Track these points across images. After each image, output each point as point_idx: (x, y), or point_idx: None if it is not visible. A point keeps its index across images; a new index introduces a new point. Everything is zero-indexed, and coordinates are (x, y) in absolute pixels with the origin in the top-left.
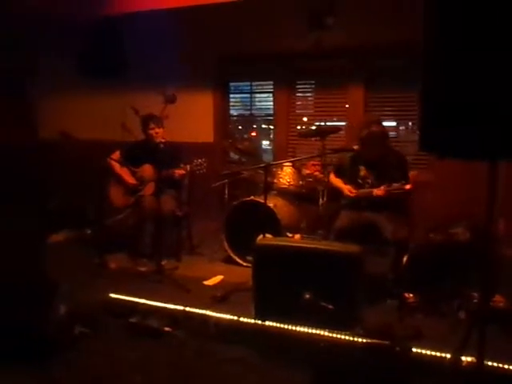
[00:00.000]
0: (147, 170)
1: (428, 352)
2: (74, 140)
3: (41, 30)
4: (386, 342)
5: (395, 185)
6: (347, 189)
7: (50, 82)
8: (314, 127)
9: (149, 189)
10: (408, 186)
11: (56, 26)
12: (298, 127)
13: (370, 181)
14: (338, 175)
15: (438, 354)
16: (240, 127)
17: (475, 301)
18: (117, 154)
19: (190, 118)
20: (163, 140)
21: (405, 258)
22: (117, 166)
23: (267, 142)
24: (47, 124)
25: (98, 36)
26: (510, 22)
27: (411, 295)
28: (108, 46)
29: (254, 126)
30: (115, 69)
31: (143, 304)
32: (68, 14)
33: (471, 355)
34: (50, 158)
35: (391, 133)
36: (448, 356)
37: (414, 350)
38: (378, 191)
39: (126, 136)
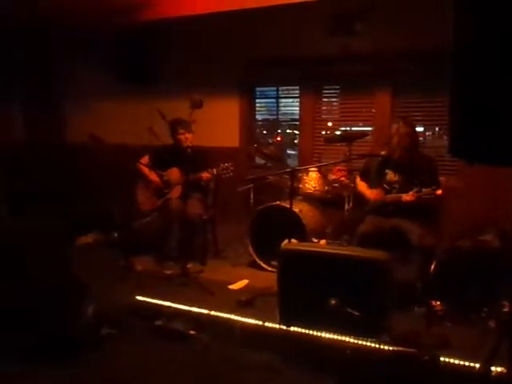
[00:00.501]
0: (174, 173)
1: (456, 361)
2: (103, 143)
3: (73, 37)
4: (414, 351)
5: (425, 190)
6: (370, 193)
7: (81, 88)
8: (339, 132)
9: (175, 192)
10: (439, 191)
11: (88, 33)
12: (324, 132)
13: (397, 185)
14: (363, 179)
15: (467, 363)
16: (265, 132)
17: (505, 309)
18: (146, 158)
19: (217, 123)
20: (190, 144)
21: (432, 265)
22: (145, 170)
23: (292, 147)
24: (78, 128)
25: (128, 43)
26: None
27: (438, 303)
28: (138, 52)
29: (279, 131)
30: (144, 75)
31: (168, 307)
32: (100, 22)
33: (501, 365)
34: (79, 161)
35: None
36: (477, 366)
37: (442, 358)
38: (408, 196)
39: (152, 140)
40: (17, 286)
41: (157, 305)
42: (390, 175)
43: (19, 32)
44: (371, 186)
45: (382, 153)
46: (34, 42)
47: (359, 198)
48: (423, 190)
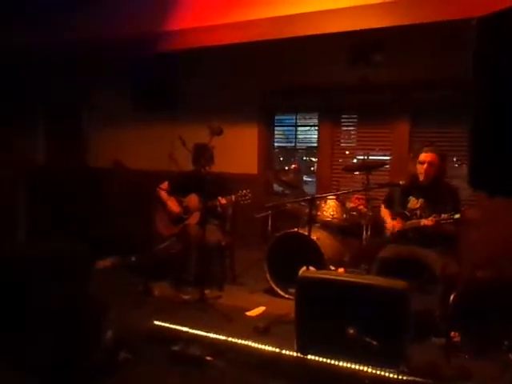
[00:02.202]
0: (193, 199)
1: None
2: (126, 169)
3: (96, 63)
4: (432, 382)
5: (444, 215)
6: (389, 222)
7: (103, 113)
8: (357, 161)
9: (194, 218)
10: (458, 215)
11: (111, 61)
12: (341, 160)
13: (418, 212)
14: (387, 206)
15: None
16: (281, 159)
17: None
18: (165, 184)
19: (236, 150)
20: (210, 172)
21: (452, 296)
22: (164, 195)
23: (309, 174)
24: (100, 153)
25: (151, 70)
26: None
27: (457, 334)
28: (159, 79)
29: (295, 159)
30: (166, 102)
31: (186, 332)
32: (121, 52)
33: None
34: (101, 186)
35: None
36: None
37: None
38: (427, 221)
39: (172, 166)
40: (36, 309)
41: (174, 330)
42: (413, 202)
43: (45, 58)
44: (394, 213)
45: (401, 182)
46: (59, 68)
47: (378, 226)
48: (442, 215)
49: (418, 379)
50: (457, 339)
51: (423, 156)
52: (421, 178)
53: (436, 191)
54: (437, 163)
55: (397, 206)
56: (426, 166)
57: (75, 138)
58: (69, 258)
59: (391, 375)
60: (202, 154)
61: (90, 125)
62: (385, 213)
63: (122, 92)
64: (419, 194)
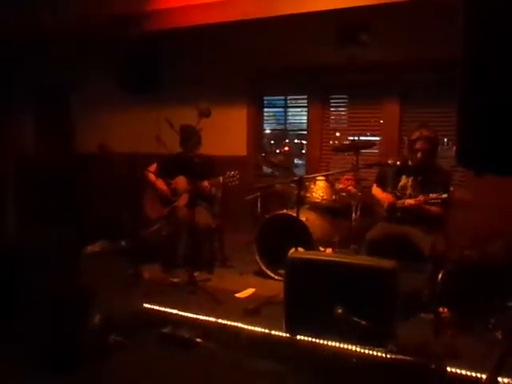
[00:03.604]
0: (181, 181)
1: (463, 372)
2: (111, 153)
3: (80, 47)
4: (421, 360)
5: (432, 195)
6: (386, 198)
7: (90, 97)
8: (347, 142)
9: (182, 200)
10: (445, 195)
11: (95, 43)
12: (331, 142)
13: (408, 192)
14: (379, 185)
15: (474, 374)
16: (272, 141)
17: None
18: (154, 166)
19: (224, 131)
20: (198, 153)
21: (440, 274)
22: (153, 178)
23: (299, 157)
24: (86, 138)
25: (136, 52)
26: None
27: (446, 310)
28: (145, 61)
29: (287, 141)
30: (152, 84)
31: (175, 314)
32: (109, 33)
33: (508, 376)
34: (88, 171)
35: None
36: (484, 376)
37: (449, 368)
38: (411, 201)
39: (160, 148)
40: (25, 295)
41: (164, 312)
42: (404, 181)
43: (30, 43)
44: (385, 191)
45: (390, 162)
46: (44, 53)
47: (368, 206)
48: (430, 195)
49: (406, 357)
50: (445, 315)
51: (418, 144)
52: (414, 157)
53: (428, 172)
54: (429, 142)
55: (388, 186)
56: (420, 154)
57: (63, 125)
58: (57, 244)
59: (379, 354)
60: (189, 135)
61: (78, 109)
62: (377, 191)
63: (108, 75)
64: (411, 174)
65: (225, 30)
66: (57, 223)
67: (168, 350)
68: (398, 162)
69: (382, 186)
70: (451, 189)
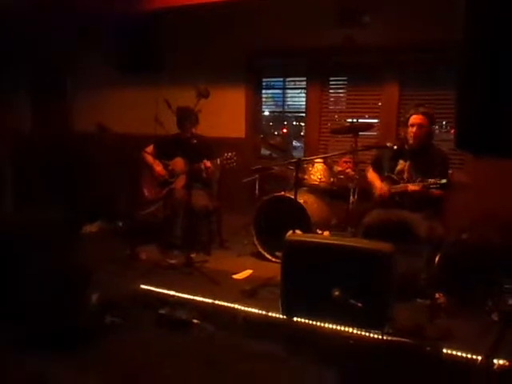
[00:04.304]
0: (179, 163)
1: (459, 353)
2: (110, 133)
3: (78, 26)
4: (416, 342)
5: (431, 180)
6: (381, 187)
7: (88, 77)
8: (346, 124)
9: (180, 182)
10: (444, 181)
11: (93, 22)
12: (330, 124)
13: (405, 176)
14: (375, 169)
15: (469, 355)
16: (271, 123)
17: (508, 303)
18: (151, 148)
19: (223, 113)
20: (196, 135)
21: (437, 258)
22: (150, 159)
23: (298, 139)
24: (84, 117)
25: (134, 31)
26: None
27: (442, 295)
28: (144, 41)
29: (285, 123)
30: (150, 64)
31: (172, 296)
32: (105, 10)
33: (503, 358)
34: (85, 150)
35: None
36: (479, 358)
37: (444, 350)
38: (413, 186)
39: (158, 129)
40: (22, 275)
41: (161, 294)
42: (402, 165)
43: (27, 21)
44: (382, 176)
45: (388, 144)
46: (42, 31)
47: (366, 189)
48: (429, 180)
49: (401, 339)
50: (442, 300)
51: (412, 119)
52: (411, 140)
53: (426, 155)
54: (426, 124)
55: (385, 170)
56: (415, 128)
57: (60, 104)
58: (55, 224)
59: (376, 336)
60: (186, 116)
61: (74, 89)
62: (373, 175)
63: (106, 54)
64: (409, 157)
65: (224, 11)
66: (54, 203)
67: (165, 331)
68: (395, 146)
69: (379, 169)
70: (450, 172)
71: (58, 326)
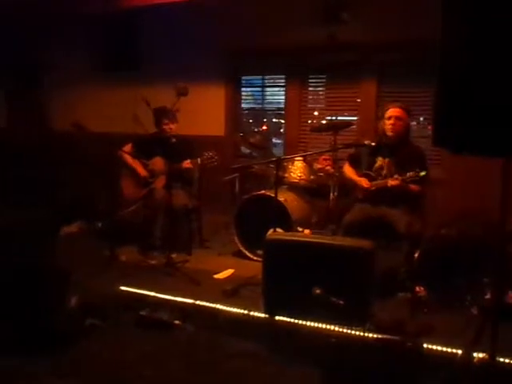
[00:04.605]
0: (158, 162)
1: (439, 348)
2: (87, 132)
3: (55, 24)
4: (397, 338)
5: (410, 173)
6: (363, 181)
7: (64, 75)
8: (325, 121)
9: (160, 182)
10: (423, 173)
11: (70, 20)
12: (309, 121)
13: (383, 172)
14: (352, 166)
15: (450, 349)
16: (251, 121)
17: (487, 297)
18: (129, 147)
19: (202, 112)
20: (175, 134)
21: (417, 253)
22: (129, 158)
23: (278, 136)
24: (61, 117)
25: (112, 30)
26: None
27: (422, 289)
28: (121, 39)
29: (265, 120)
30: (128, 62)
31: (153, 297)
32: (82, 9)
33: (483, 351)
34: (63, 150)
35: None
36: (460, 352)
37: (425, 345)
38: (393, 181)
39: (137, 128)
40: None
41: (141, 295)
42: (380, 162)
43: (2, 21)
44: (360, 173)
45: (367, 142)
46: (17, 29)
47: (345, 186)
48: (408, 174)
49: (383, 336)
50: (422, 294)
51: (390, 112)
52: (389, 132)
53: (403, 151)
54: (403, 117)
55: (363, 166)
56: (392, 121)
57: (35, 103)
58: (32, 225)
59: (357, 333)
60: (163, 114)
61: (51, 88)
62: (350, 171)
63: (83, 53)
64: (387, 153)
65: (202, 8)
66: (31, 203)
67: (146, 332)
68: (373, 143)
69: (356, 165)
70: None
71: (35, 328)
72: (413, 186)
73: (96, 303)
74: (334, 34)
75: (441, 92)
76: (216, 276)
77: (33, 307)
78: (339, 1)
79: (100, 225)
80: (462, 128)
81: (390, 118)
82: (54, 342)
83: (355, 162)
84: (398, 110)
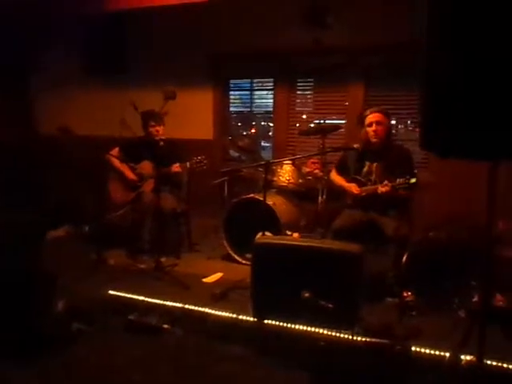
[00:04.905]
0: (146, 166)
1: (427, 351)
2: (73, 135)
3: (42, 27)
4: (386, 341)
5: (400, 180)
6: (352, 187)
7: (51, 78)
8: (313, 125)
9: (148, 185)
10: (414, 180)
11: (57, 23)
12: (298, 125)
13: (372, 177)
14: (340, 172)
15: (438, 352)
16: (239, 124)
17: (475, 300)
18: (116, 151)
19: (190, 115)
20: (163, 137)
21: (404, 257)
22: (116, 162)
23: (266, 139)
24: (47, 120)
25: (99, 33)
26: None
27: (410, 294)
28: (108, 42)
29: (254, 123)
30: (116, 66)
31: (142, 301)
32: (68, 11)
33: (471, 354)
34: (49, 154)
35: None
36: (447, 355)
37: (413, 348)
38: (383, 188)
39: (124, 132)
40: None
41: (130, 299)
42: (368, 167)
43: None
44: (348, 179)
45: (355, 146)
46: (2, 29)
47: (333, 191)
48: (398, 180)
49: (372, 339)
50: (410, 299)
51: (370, 118)
52: (372, 140)
53: (389, 155)
54: (384, 121)
55: (351, 171)
56: (374, 127)
57: (21, 106)
58: (17, 229)
59: (346, 336)
60: (150, 117)
61: (38, 90)
62: (338, 178)
63: (70, 55)
64: (373, 158)
65: (190, 11)
66: (17, 206)
67: (134, 337)
68: (356, 146)
69: (343, 171)
70: (415, 171)
71: (22, 332)
72: (402, 193)
73: (83, 307)
74: (319, 38)
75: (427, 95)
76: (205, 280)
77: (19, 311)
78: (324, 5)
79: (87, 228)
80: (448, 132)
81: (371, 125)
82: (41, 346)
83: (342, 169)
84: (377, 114)
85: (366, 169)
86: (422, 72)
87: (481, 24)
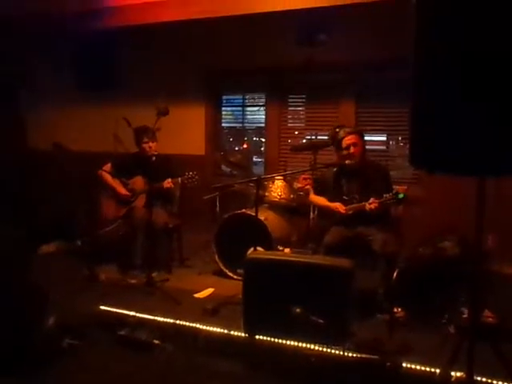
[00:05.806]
0: (138, 182)
1: (418, 367)
2: (67, 151)
3: (34, 44)
4: (376, 357)
5: (386, 195)
6: (338, 206)
7: (44, 95)
8: (305, 141)
9: (140, 201)
10: (402, 195)
11: (50, 40)
12: (289, 140)
13: (357, 196)
14: (318, 193)
15: (428, 368)
16: (231, 139)
17: (464, 316)
18: (108, 166)
19: (183, 131)
20: (155, 153)
21: (394, 273)
22: (109, 178)
23: (258, 155)
24: (41, 136)
25: (92, 49)
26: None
27: (400, 310)
28: (102, 59)
29: (246, 139)
30: (109, 82)
31: (133, 316)
32: (62, 28)
33: (460, 370)
34: (42, 169)
35: (381, 147)
36: (438, 371)
37: (403, 364)
38: (371, 205)
39: (118, 147)
40: None
41: (121, 314)
42: (347, 185)
43: None
44: (330, 199)
45: (347, 162)
46: None
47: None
48: (384, 196)
49: (362, 355)
50: (400, 315)
51: (346, 141)
52: (351, 160)
53: (367, 172)
54: (359, 142)
55: (332, 192)
56: (351, 150)
57: (12, 120)
58: (7, 244)
59: (337, 352)
60: (143, 133)
61: (29, 106)
62: (320, 199)
63: (63, 71)
64: (351, 176)
65: (183, 28)
66: (8, 221)
67: (125, 352)
68: (347, 162)
69: (322, 192)
70: (401, 187)
71: (12, 348)
72: (390, 207)
73: (74, 323)
74: (311, 55)
75: (416, 112)
76: (196, 295)
77: (9, 327)
78: (316, 23)
79: (79, 243)
80: (437, 148)
81: (347, 148)
82: (31, 362)
83: (320, 190)
84: (352, 136)
85: (345, 188)
86: (412, 89)
87: (468, 41)
